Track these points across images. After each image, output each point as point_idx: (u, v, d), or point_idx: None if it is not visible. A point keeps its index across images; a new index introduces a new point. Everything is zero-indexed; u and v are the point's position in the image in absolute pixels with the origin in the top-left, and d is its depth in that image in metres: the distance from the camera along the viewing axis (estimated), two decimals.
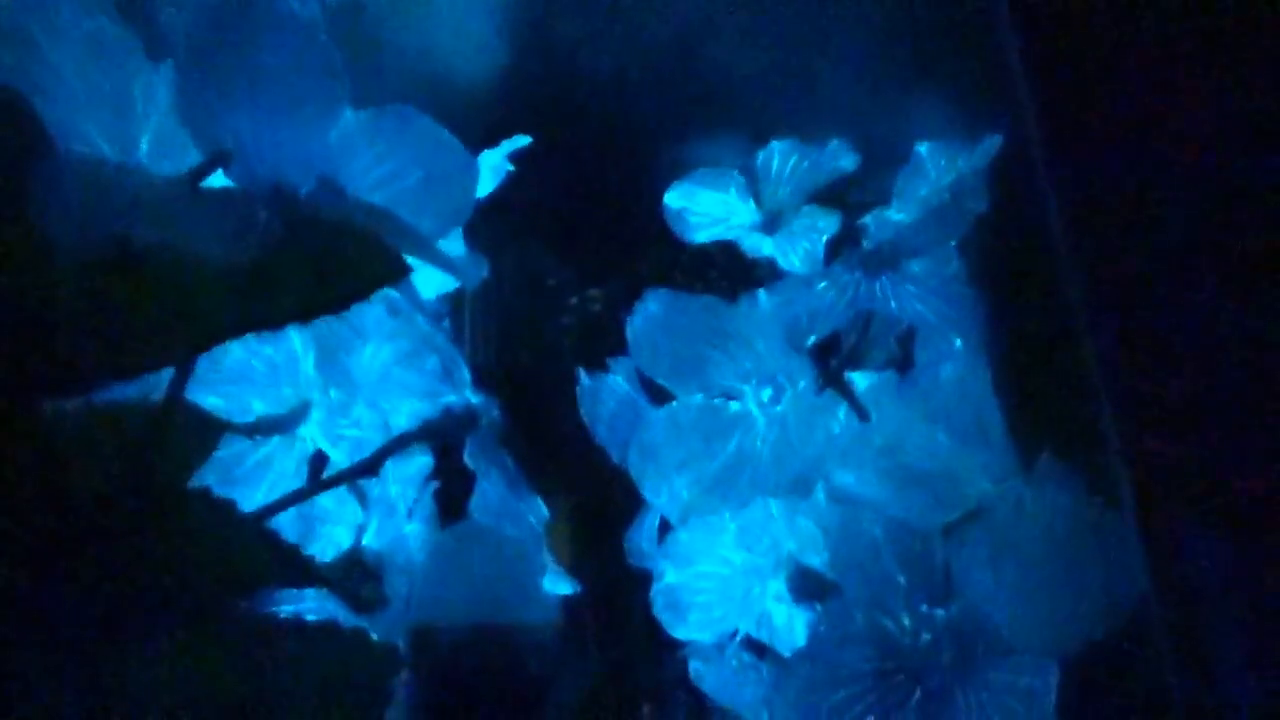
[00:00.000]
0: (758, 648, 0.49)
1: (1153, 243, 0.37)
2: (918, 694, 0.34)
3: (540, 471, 0.42)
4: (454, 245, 0.42)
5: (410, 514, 0.66)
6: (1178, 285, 0.36)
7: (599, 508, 0.50)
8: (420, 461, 0.64)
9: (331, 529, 0.61)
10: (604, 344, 0.51)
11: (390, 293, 0.36)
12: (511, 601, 0.50)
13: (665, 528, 0.50)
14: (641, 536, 0.50)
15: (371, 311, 0.38)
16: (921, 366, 0.42)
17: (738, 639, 0.46)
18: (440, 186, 0.33)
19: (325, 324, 0.38)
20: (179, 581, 0.29)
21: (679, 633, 0.47)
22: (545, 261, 0.65)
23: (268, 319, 0.27)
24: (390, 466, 0.63)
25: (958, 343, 0.39)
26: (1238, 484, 0.33)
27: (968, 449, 0.38)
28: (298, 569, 0.32)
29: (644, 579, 0.49)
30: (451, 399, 0.39)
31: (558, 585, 0.44)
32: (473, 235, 0.44)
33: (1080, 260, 0.38)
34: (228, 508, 0.31)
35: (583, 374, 0.49)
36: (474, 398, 0.39)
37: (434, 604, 0.52)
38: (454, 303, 0.53)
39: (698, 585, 0.48)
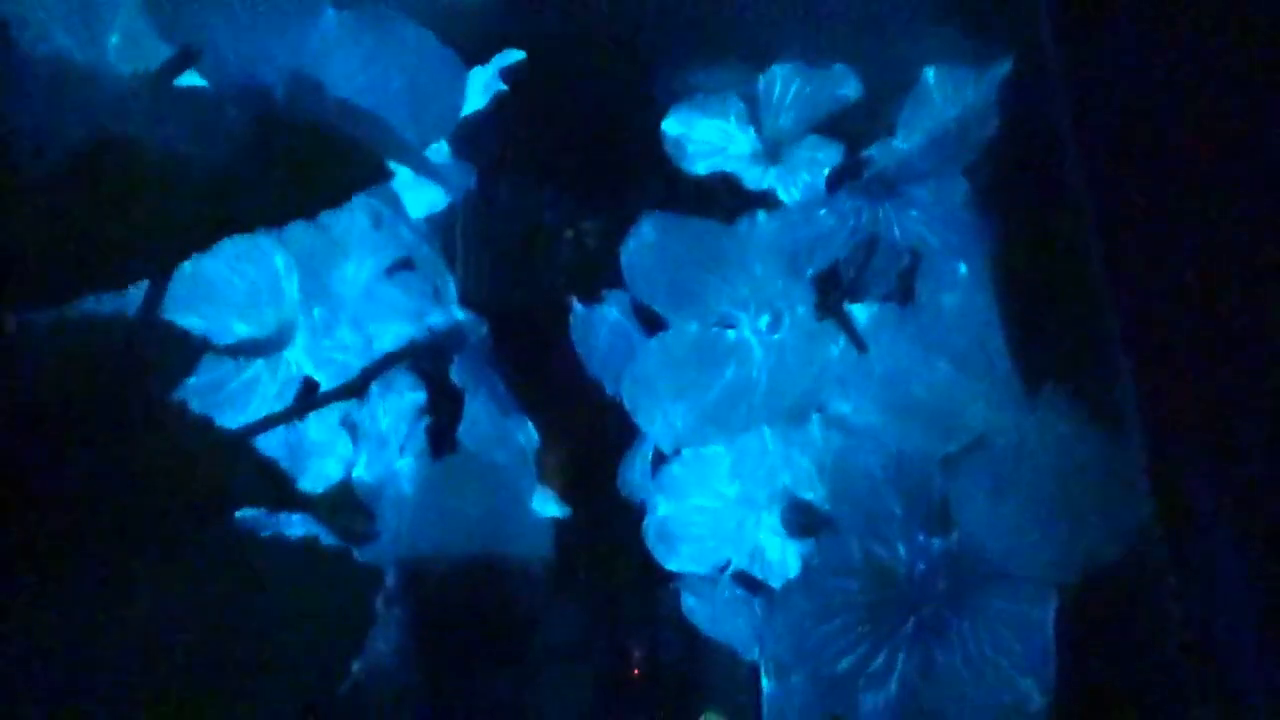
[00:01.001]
0: (750, 583, 0.49)
1: (1168, 167, 0.36)
2: (911, 623, 0.34)
3: (532, 402, 0.41)
4: (442, 162, 0.40)
5: (402, 449, 0.65)
6: (1192, 210, 0.35)
7: (591, 441, 0.49)
8: (412, 397, 0.64)
9: (322, 462, 0.61)
10: (599, 278, 0.50)
11: (375, 203, 0.35)
12: (502, 533, 0.49)
13: (658, 460, 0.49)
14: (634, 469, 0.49)
15: (355, 224, 0.36)
16: (923, 297, 0.41)
17: (729, 571, 0.46)
18: (426, 93, 0.31)
19: (308, 240, 0.37)
20: (157, 499, 0.29)
21: (671, 564, 0.47)
22: (539, 193, 0.63)
23: (240, 222, 0.26)
24: (381, 400, 0.63)
25: (962, 269, 0.37)
26: (1245, 413, 0.32)
27: (970, 379, 0.37)
28: (280, 490, 0.31)
29: (636, 513, 0.48)
30: (438, 317, 0.38)
31: (547, 507, 0.43)
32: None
33: (1094, 186, 0.36)
34: (207, 424, 0.30)
35: (576, 303, 0.48)
36: (461, 315, 0.38)
37: (424, 535, 0.51)
38: (445, 235, 0.51)
39: (690, 518, 0.47)
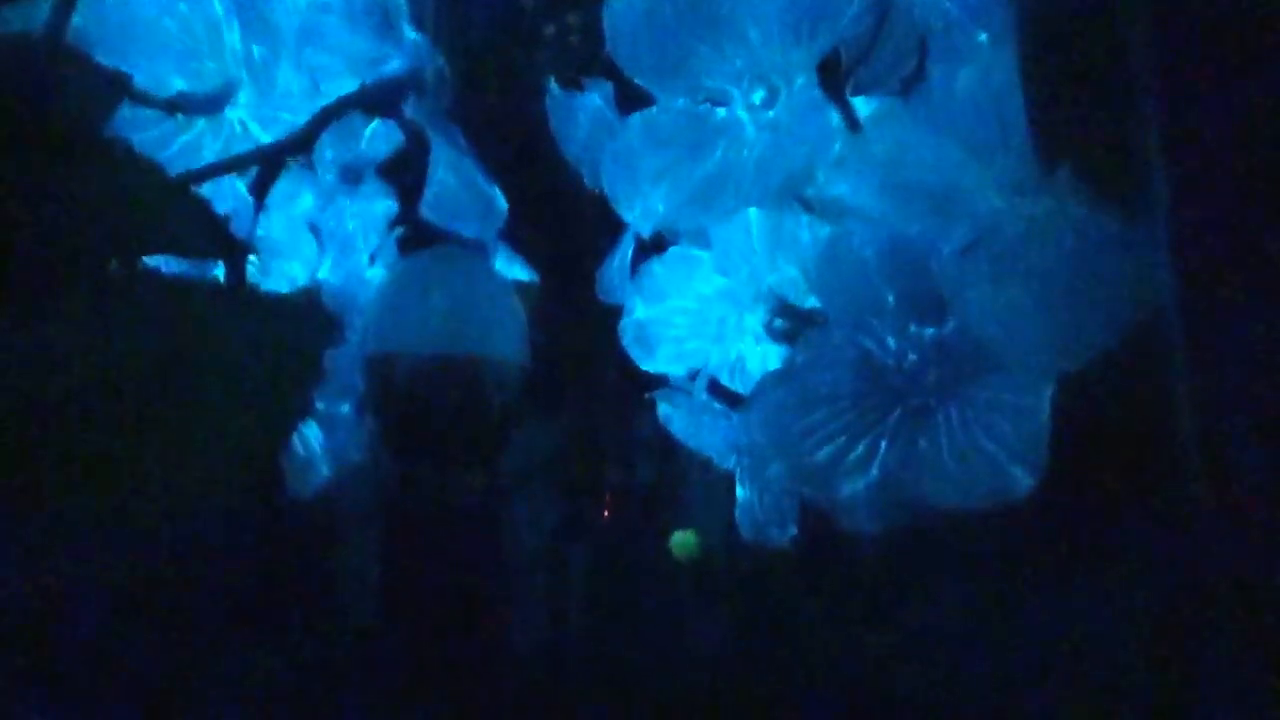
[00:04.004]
0: (728, 397, 0.47)
1: None
2: (896, 414, 0.32)
3: (501, 170, 0.38)
4: None
5: (373, 259, 0.63)
6: None
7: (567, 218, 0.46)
8: (383, 205, 0.60)
9: (286, 264, 0.58)
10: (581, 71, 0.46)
11: None
12: (475, 333, 0.47)
13: (638, 260, 0.46)
14: (613, 269, 0.47)
15: None
16: (935, 78, 0.37)
17: (706, 375, 0.44)
18: None
19: None
20: (95, 236, 0.26)
21: (648, 366, 0.45)
22: None
23: None
24: (347, 202, 0.59)
25: (982, 37, 0.34)
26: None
27: (980, 162, 0.33)
28: (220, 235, 0.28)
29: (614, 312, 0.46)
30: (394, 63, 0.34)
31: (513, 270, 0.41)
32: None
33: None
34: (148, 161, 0.27)
35: (553, 84, 0.44)
36: (413, 36, 0.34)
37: (392, 331, 0.49)
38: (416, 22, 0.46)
39: (669, 319, 0.45)
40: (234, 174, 0.36)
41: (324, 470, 0.56)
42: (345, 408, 0.58)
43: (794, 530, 0.42)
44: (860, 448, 0.32)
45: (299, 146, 0.35)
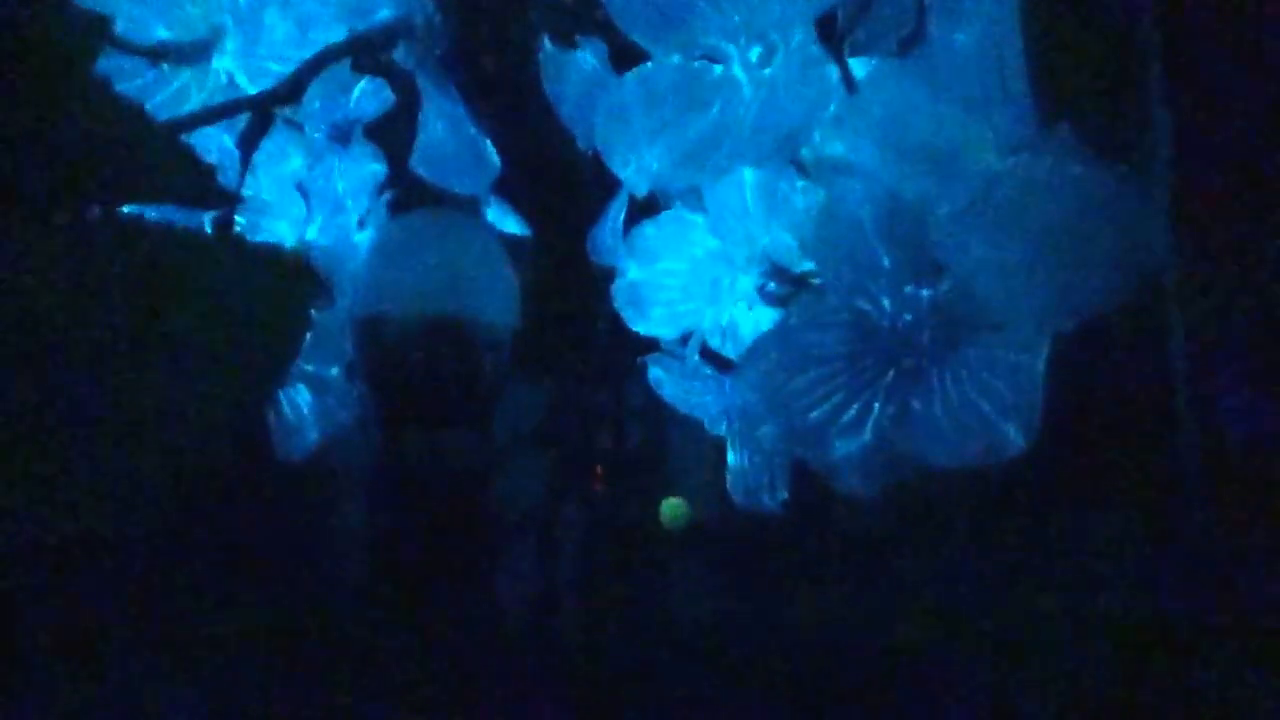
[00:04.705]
0: (719, 362, 0.47)
1: None
2: (890, 375, 0.32)
3: (494, 124, 0.37)
4: None
5: (362, 223, 0.62)
6: None
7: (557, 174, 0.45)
8: (372, 168, 0.60)
9: (273, 223, 0.57)
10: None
11: None
12: (467, 294, 0.46)
13: (631, 223, 0.46)
14: (606, 231, 0.47)
15: None
16: (935, 38, 0.36)
17: (699, 338, 0.44)
18: None
19: None
20: (75, 181, 0.25)
21: (640, 328, 0.45)
22: None
23: None
24: (336, 161, 0.58)
25: None
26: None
27: (979, 121, 0.33)
28: (205, 183, 0.27)
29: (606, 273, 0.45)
30: (384, 10, 0.33)
31: (506, 223, 0.40)
32: None
33: None
34: (131, 104, 0.26)
35: (547, 41, 0.43)
36: (408, 5, 0.33)
37: (382, 291, 0.49)
38: None
39: (662, 281, 0.45)
40: (220, 126, 0.35)
41: (313, 433, 0.56)
42: (334, 370, 0.57)
43: (785, 495, 0.42)
44: (854, 408, 0.32)
45: (287, 97, 0.34)
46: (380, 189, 0.58)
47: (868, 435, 0.31)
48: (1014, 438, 0.29)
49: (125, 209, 0.26)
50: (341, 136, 0.53)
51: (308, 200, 0.57)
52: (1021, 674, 0.35)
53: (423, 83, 0.35)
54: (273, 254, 0.26)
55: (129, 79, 0.35)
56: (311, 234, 0.58)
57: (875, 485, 0.32)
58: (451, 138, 0.37)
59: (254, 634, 0.53)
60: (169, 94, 0.36)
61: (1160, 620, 0.29)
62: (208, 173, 0.28)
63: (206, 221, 0.34)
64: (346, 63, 0.43)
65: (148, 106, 0.36)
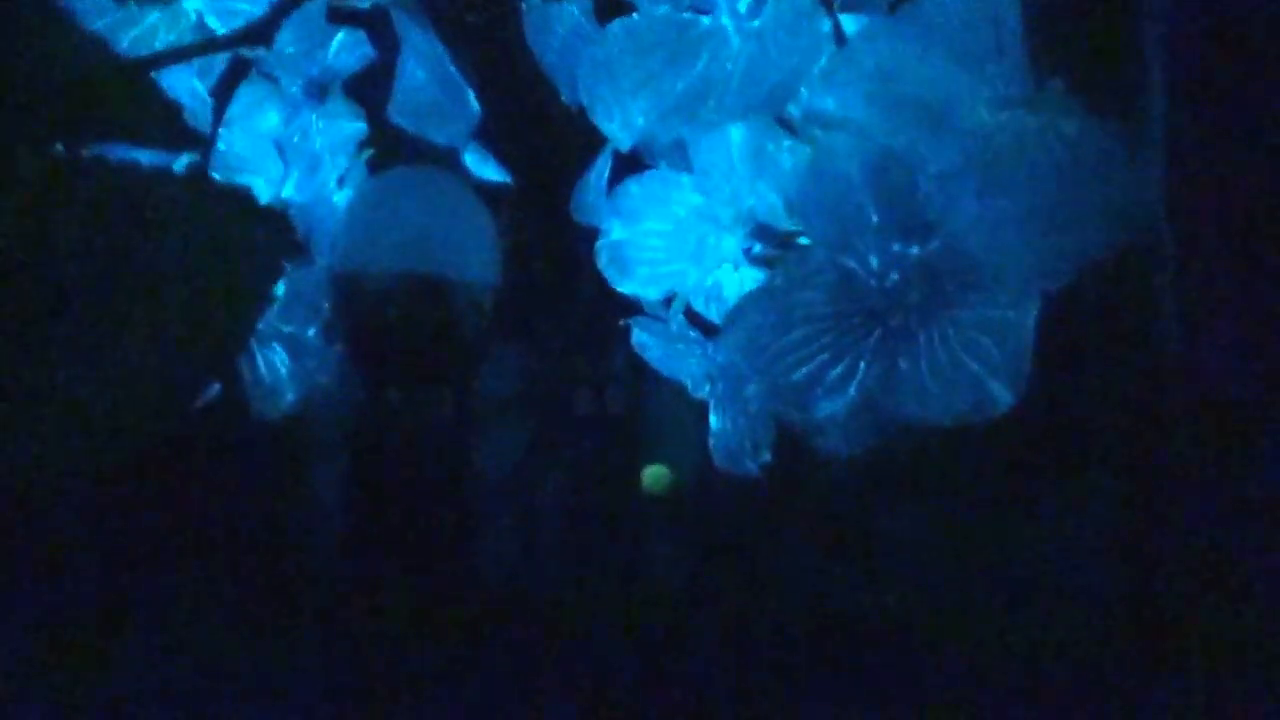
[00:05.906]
0: (703, 326, 0.46)
1: None
2: (877, 334, 0.31)
3: (476, 72, 0.36)
4: None
5: (341, 182, 0.61)
6: None
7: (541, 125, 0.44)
8: (352, 126, 0.58)
9: (249, 179, 0.56)
10: None
11: None
12: (446, 250, 0.46)
13: (615, 180, 0.45)
14: (589, 190, 0.46)
15: None
16: None
17: (684, 299, 0.43)
18: None
19: None
20: (38, 119, 0.24)
21: (624, 288, 0.44)
22: None
23: None
24: (313, 117, 0.57)
25: None
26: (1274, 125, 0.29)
27: (971, 76, 0.32)
28: (173, 122, 0.26)
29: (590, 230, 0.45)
30: None
31: (485, 170, 0.40)
32: None
33: None
34: (97, 41, 0.25)
35: None
36: None
37: (361, 249, 0.48)
38: None
39: (646, 242, 0.44)
40: (190, 69, 0.34)
41: (290, 394, 0.55)
42: (311, 331, 0.56)
43: (768, 457, 0.42)
44: (839, 367, 0.31)
45: (258, 37, 0.33)
46: (360, 147, 0.57)
47: (852, 394, 0.31)
48: (1001, 395, 0.28)
49: (90, 149, 0.25)
50: (319, 92, 0.52)
51: (284, 157, 0.56)
52: (1000, 639, 0.35)
53: (401, 24, 0.34)
54: (243, 197, 0.25)
55: (95, 18, 0.34)
56: (288, 191, 0.57)
57: (857, 446, 0.32)
58: (431, 79, 0.36)
59: (229, 597, 0.53)
60: (137, 33, 0.35)
61: (1143, 587, 0.29)
62: (175, 112, 0.27)
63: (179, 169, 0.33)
64: (323, 15, 0.42)
65: (115, 46, 0.35)
